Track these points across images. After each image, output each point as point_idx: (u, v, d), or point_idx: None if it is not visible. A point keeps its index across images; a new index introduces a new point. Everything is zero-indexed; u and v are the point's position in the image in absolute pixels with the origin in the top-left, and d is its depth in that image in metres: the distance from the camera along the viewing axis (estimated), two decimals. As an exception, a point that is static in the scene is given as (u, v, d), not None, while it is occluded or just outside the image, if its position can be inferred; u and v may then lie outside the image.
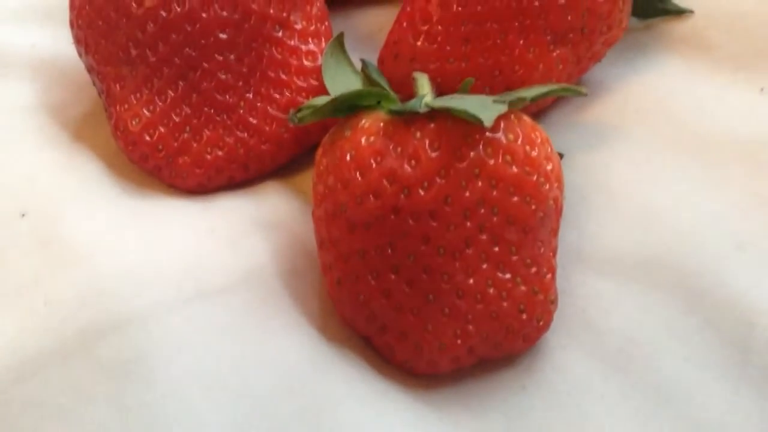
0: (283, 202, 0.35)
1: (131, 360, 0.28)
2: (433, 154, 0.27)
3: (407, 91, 0.33)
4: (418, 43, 0.36)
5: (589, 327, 0.30)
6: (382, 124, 0.28)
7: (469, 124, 0.27)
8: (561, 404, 0.28)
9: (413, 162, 0.27)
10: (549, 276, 0.29)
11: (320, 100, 0.30)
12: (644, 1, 0.41)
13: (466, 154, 0.27)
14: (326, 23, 0.37)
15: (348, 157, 0.28)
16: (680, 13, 0.41)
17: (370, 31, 0.44)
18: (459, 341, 0.27)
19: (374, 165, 0.27)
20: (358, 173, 0.27)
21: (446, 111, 0.27)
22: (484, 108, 0.27)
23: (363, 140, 0.28)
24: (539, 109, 0.38)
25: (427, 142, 0.27)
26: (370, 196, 0.27)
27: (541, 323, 0.28)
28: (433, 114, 0.28)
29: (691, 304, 0.30)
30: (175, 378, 0.27)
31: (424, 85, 0.31)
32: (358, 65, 0.33)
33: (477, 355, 0.28)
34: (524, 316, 0.28)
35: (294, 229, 0.33)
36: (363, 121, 0.28)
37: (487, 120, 0.26)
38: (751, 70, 0.39)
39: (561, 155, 0.32)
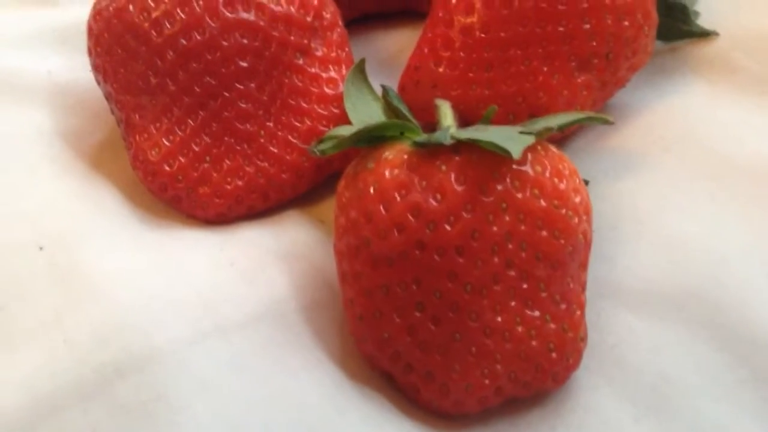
0: (304, 233, 0.34)
1: (151, 400, 0.27)
2: (459, 188, 0.26)
3: (429, 118, 0.32)
4: (440, 70, 0.36)
5: (619, 365, 0.29)
6: (406, 156, 0.27)
7: (495, 156, 0.26)
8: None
9: (439, 196, 0.26)
10: (579, 313, 0.28)
11: (342, 131, 0.29)
12: (669, 23, 0.40)
13: (492, 187, 0.26)
14: (347, 49, 0.37)
15: (371, 190, 0.27)
16: (705, 35, 0.41)
17: (390, 54, 0.44)
18: (486, 381, 0.27)
19: (398, 199, 0.26)
20: (381, 207, 0.27)
21: (472, 143, 0.26)
22: (512, 139, 0.26)
23: (387, 173, 0.27)
24: (564, 136, 0.37)
25: (452, 175, 0.26)
26: (395, 230, 0.26)
27: (570, 361, 0.27)
28: (459, 146, 0.27)
29: (722, 340, 0.29)
30: (196, 418, 0.26)
31: (446, 113, 0.30)
32: (379, 90, 0.32)
33: (505, 395, 0.27)
34: (554, 355, 0.27)
35: (314, 260, 0.32)
36: (386, 153, 0.28)
37: (516, 152, 0.25)
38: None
39: (586, 182, 0.32)
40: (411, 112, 0.33)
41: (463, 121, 0.33)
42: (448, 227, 0.26)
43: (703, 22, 0.43)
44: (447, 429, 0.28)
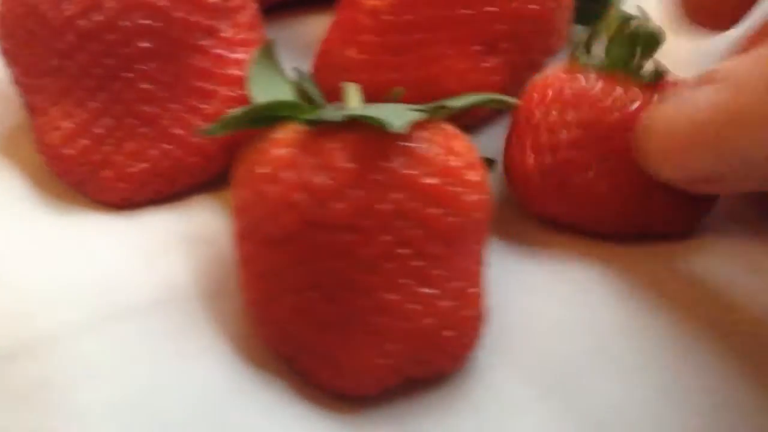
0: (212, 217, 0.34)
1: (37, 385, 0.26)
2: (349, 165, 0.26)
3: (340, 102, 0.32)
4: (349, 53, 0.35)
5: (521, 345, 0.29)
6: (297, 135, 0.27)
7: (388, 134, 0.26)
8: (492, 427, 0.27)
9: (327, 173, 0.26)
10: (475, 290, 0.28)
11: (234, 112, 0.28)
12: (588, 7, 0.40)
13: (383, 165, 0.26)
14: (258, 32, 0.36)
15: (262, 170, 0.27)
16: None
17: (313, 38, 0.43)
18: (382, 360, 0.26)
19: (288, 177, 0.26)
20: (271, 186, 0.26)
21: (363, 120, 0.26)
22: (399, 115, 0.26)
23: (277, 152, 0.27)
24: (476, 120, 0.37)
25: (343, 152, 0.26)
26: (285, 209, 0.26)
27: (467, 340, 0.27)
28: (352, 124, 0.27)
29: (627, 327, 0.29)
30: (81, 404, 0.26)
31: (352, 95, 0.30)
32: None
33: (403, 374, 0.27)
34: (449, 333, 0.27)
35: (221, 245, 0.32)
36: (278, 133, 0.27)
37: (399, 127, 0.25)
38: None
39: (493, 161, 0.32)
40: (322, 96, 0.32)
41: (374, 105, 0.32)
42: (338, 204, 0.26)
43: (629, 6, 0.43)
44: (347, 411, 0.28)
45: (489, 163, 0.33)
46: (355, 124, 0.27)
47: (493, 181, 0.33)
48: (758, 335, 0.29)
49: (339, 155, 0.26)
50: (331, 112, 0.27)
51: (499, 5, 0.34)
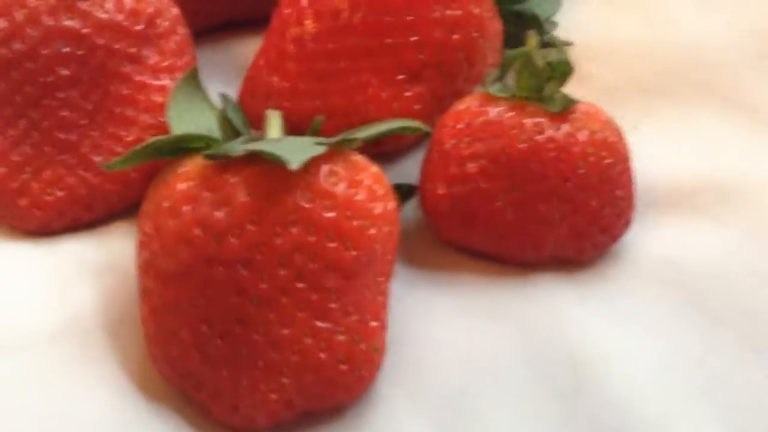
0: (128, 245, 0.33)
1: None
2: (246, 200, 0.26)
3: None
4: (274, 80, 0.36)
5: (421, 377, 0.29)
6: (200, 169, 0.27)
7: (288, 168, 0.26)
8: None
9: (225, 208, 0.26)
10: (375, 324, 0.28)
11: (137, 147, 0.28)
12: (519, 33, 0.40)
13: (281, 198, 0.26)
14: (186, 58, 0.36)
15: (164, 204, 0.27)
16: (555, 45, 0.41)
17: (246, 62, 0.44)
18: (274, 396, 0.26)
19: (187, 212, 0.26)
20: (171, 221, 0.26)
21: (262, 155, 0.26)
22: (298, 150, 0.26)
23: (179, 186, 0.27)
24: (401, 146, 0.37)
25: (241, 187, 0.26)
26: (182, 244, 0.26)
27: (364, 373, 0.27)
28: (254, 157, 0.27)
29: (525, 356, 0.29)
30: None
31: (273, 124, 0.30)
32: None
33: (297, 408, 0.27)
34: (344, 367, 0.27)
35: (133, 274, 0.32)
36: (182, 166, 0.27)
37: (295, 162, 0.25)
38: (626, 104, 0.39)
39: (413, 188, 0.32)
40: (247, 123, 0.32)
41: (297, 133, 0.33)
42: (233, 240, 0.26)
43: (561, 32, 0.43)
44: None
45: (409, 190, 0.33)
46: (257, 158, 0.27)
47: (413, 207, 0.34)
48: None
49: (237, 190, 0.26)
50: (234, 146, 0.27)
51: (422, 35, 0.34)
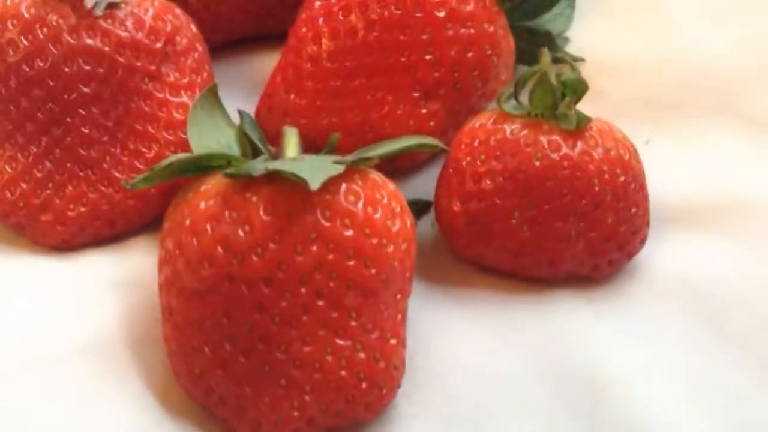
0: (149, 261, 0.34)
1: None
2: (267, 219, 0.26)
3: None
4: (291, 97, 0.36)
5: (440, 393, 0.29)
6: (221, 188, 0.27)
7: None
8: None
9: (247, 227, 0.26)
10: (394, 341, 0.28)
11: (166, 161, 0.29)
12: (532, 49, 0.41)
13: (301, 217, 0.26)
14: (204, 75, 0.37)
15: (186, 222, 0.27)
16: (572, 60, 0.41)
17: (263, 77, 0.44)
18: (296, 413, 0.27)
19: (209, 231, 0.26)
20: (194, 239, 0.27)
21: (281, 175, 0.27)
22: (317, 170, 0.26)
23: (201, 204, 0.27)
24: (415, 163, 0.38)
25: (261, 206, 0.26)
26: (205, 263, 0.26)
27: (384, 391, 0.28)
28: (274, 176, 0.27)
29: (542, 373, 0.29)
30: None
31: (291, 141, 0.30)
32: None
33: (319, 426, 0.27)
34: (364, 385, 0.27)
35: (155, 290, 0.32)
36: (204, 185, 0.28)
37: (314, 182, 0.25)
38: (636, 119, 0.39)
39: (429, 204, 0.32)
40: (264, 139, 0.33)
41: (314, 150, 0.33)
42: (255, 258, 0.26)
43: (573, 48, 0.43)
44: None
45: (424, 206, 0.34)
46: (277, 176, 0.27)
47: (429, 223, 0.34)
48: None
49: (258, 209, 0.26)
50: (255, 165, 0.27)
51: (437, 53, 0.35)
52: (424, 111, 0.35)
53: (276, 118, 0.36)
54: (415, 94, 0.35)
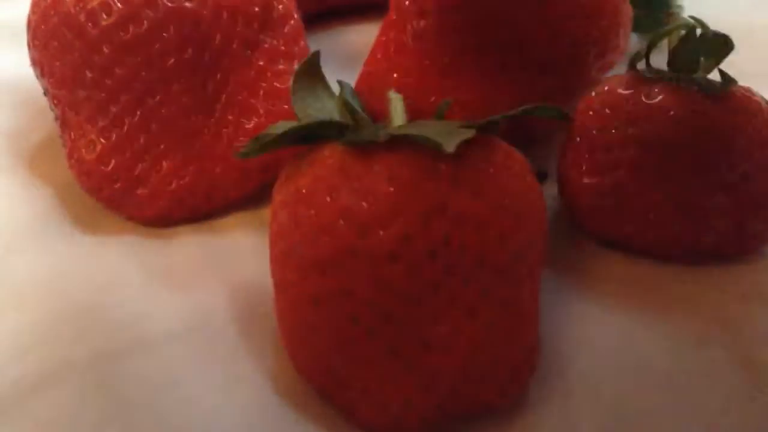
0: (248, 237, 0.32)
1: (67, 415, 0.25)
2: (392, 189, 0.24)
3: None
4: (394, 76, 0.34)
5: (576, 380, 0.26)
6: (339, 157, 0.25)
7: (433, 153, 0.24)
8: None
9: (370, 198, 0.24)
10: (528, 320, 0.26)
11: (276, 129, 0.27)
12: (646, 16, 0.38)
13: (428, 187, 0.24)
14: (301, 43, 0.35)
15: (302, 193, 0.25)
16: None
17: (357, 48, 0.42)
18: (425, 399, 0.24)
19: (329, 202, 0.24)
20: (311, 211, 0.24)
21: (408, 139, 0.24)
22: (448, 134, 0.24)
23: (318, 174, 0.25)
24: (527, 137, 0.35)
25: (385, 175, 0.24)
26: (324, 236, 0.24)
27: (520, 375, 0.25)
28: (396, 144, 0.25)
29: (685, 357, 0.27)
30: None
31: (398, 108, 0.28)
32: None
33: (449, 413, 0.25)
34: (498, 369, 0.25)
35: (256, 267, 0.30)
36: (320, 154, 0.26)
37: (449, 146, 0.23)
38: (762, 89, 0.36)
39: (545, 175, 0.29)
40: (366, 110, 0.31)
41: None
42: (380, 232, 0.24)
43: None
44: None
45: (541, 176, 0.31)
46: (398, 144, 0.25)
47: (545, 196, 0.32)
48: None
49: (381, 179, 0.24)
50: (374, 131, 0.25)
51: (556, 27, 0.32)
52: (540, 86, 0.33)
53: (378, 97, 0.34)
54: (531, 70, 0.32)
